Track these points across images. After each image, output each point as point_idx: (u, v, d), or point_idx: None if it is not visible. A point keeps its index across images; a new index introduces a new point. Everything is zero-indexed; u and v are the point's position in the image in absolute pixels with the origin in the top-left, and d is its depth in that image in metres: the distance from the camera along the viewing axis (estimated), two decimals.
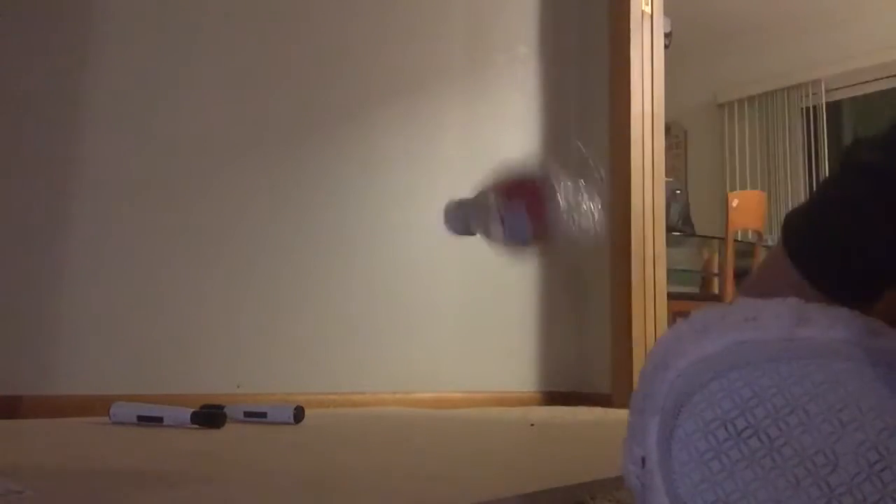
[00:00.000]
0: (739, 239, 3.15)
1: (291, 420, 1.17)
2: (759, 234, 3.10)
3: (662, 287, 2.26)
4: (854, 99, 4.45)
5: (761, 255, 3.25)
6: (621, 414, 0.96)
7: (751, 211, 2.96)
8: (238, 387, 1.50)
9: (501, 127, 2.20)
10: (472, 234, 0.72)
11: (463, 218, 0.72)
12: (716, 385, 0.34)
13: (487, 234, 0.72)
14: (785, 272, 0.49)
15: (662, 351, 0.37)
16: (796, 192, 5.08)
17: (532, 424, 1.22)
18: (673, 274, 2.55)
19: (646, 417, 0.36)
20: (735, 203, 2.85)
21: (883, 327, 0.36)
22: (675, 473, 0.34)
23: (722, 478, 0.33)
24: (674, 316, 2.37)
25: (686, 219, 3.69)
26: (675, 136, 4.79)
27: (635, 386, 0.38)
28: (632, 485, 0.37)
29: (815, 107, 4.36)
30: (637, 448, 0.36)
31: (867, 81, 4.25)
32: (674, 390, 0.35)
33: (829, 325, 0.36)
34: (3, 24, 1.31)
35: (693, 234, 3.36)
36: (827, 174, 0.51)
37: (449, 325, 1.89)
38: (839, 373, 0.34)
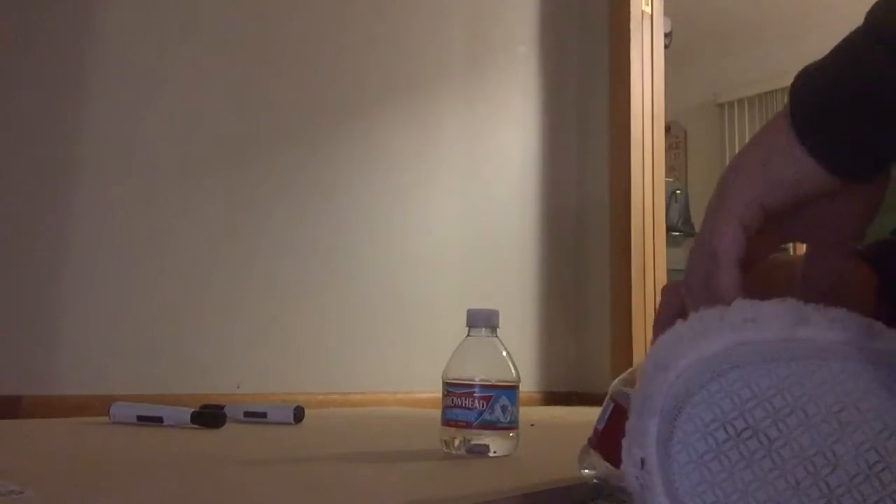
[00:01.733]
0: None
1: (291, 420, 1.17)
2: None
3: None
4: None
5: None
6: None
7: None
8: (238, 387, 1.50)
9: (501, 127, 2.20)
10: None
11: None
12: (715, 386, 0.34)
13: None
14: (786, 145, 0.47)
15: (661, 352, 0.37)
16: None
17: (532, 424, 1.22)
18: (673, 274, 2.55)
19: (645, 419, 0.36)
20: None
21: (882, 328, 0.36)
22: (674, 475, 0.34)
23: (721, 479, 0.33)
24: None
25: (686, 219, 3.69)
26: (675, 136, 4.79)
27: (634, 387, 0.38)
28: (631, 486, 0.37)
29: None
30: (636, 449, 0.36)
31: None
32: (673, 391, 0.35)
33: (829, 326, 0.36)
34: (2, 25, 1.31)
35: (693, 234, 3.36)
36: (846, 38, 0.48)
37: (449, 324, 1.89)
38: (838, 374, 0.34)
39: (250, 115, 1.63)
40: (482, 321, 0.85)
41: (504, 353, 0.84)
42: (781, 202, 0.49)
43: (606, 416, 0.65)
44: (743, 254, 0.48)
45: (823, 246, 0.53)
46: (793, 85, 0.49)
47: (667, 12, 2.57)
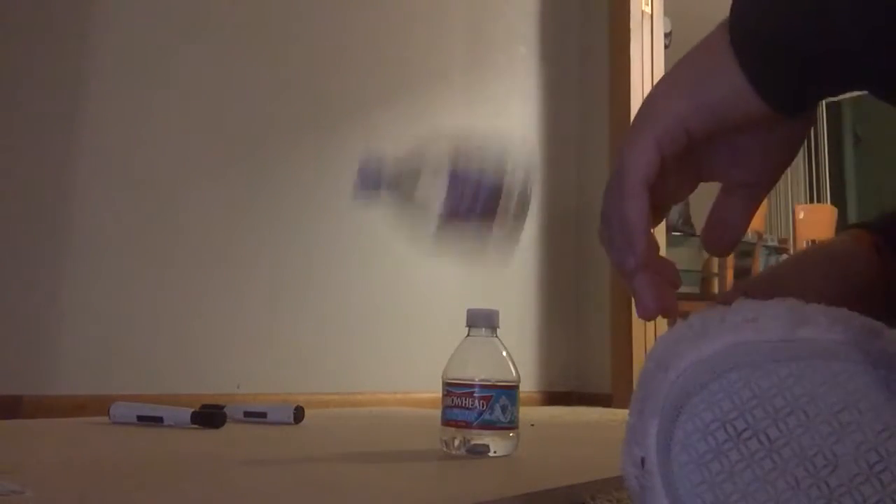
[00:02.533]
0: None
1: (291, 420, 1.17)
2: (759, 234, 3.10)
3: None
4: (854, 99, 4.45)
5: (761, 255, 3.25)
6: (621, 414, 0.95)
7: None
8: (238, 387, 1.50)
9: (501, 127, 2.20)
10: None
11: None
12: (715, 386, 0.34)
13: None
14: (721, 65, 0.43)
15: (661, 352, 0.37)
16: (796, 193, 5.08)
17: (532, 424, 1.22)
18: None
19: (645, 419, 0.36)
20: None
21: (883, 328, 0.36)
22: (674, 475, 0.34)
23: (721, 479, 0.33)
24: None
25: (686, 219, 3.69)
26: None
27: (635, 387, 0.38)
28: (631, 486, 0.37)
29: None
30: (636, 449, 0.36)
31: None
32: (673, 391, 0.35)
33: (829, 327, 0.36)
34: (1, 27, 1.31)
35: (693, 234, 3.36)
36: None
37: (449, 325, 1.89)
38: (838, 374, 0.34)
39: (250, 115, 1.63)
40: (482, 321, 0.85)
41: (504, 354, 0.84)
42: (706, 128, 0.46)
43: None
44: (654, 178, 0.45)
45: (737, 188, 0.51)
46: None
47: (667, 12, 2.57)
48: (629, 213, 0.46)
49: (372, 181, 0.64)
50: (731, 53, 0.43)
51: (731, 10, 0.45)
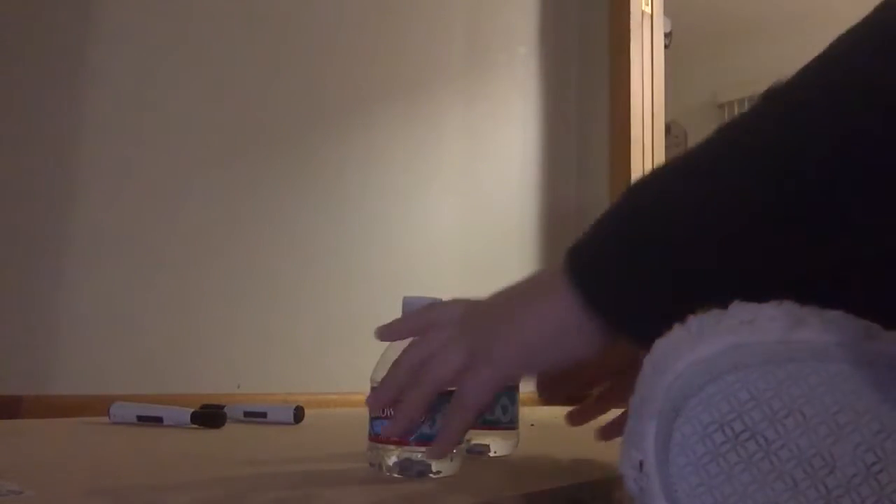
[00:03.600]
0: None
1: (291, 420, 1.17)
2: None
3: None
4: None
5: None
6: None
7: None
8: (238, 387, 1.50)
9: (501, 127, 2.20)
10: None
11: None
12: (713, 388, 0.35)
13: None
14: (571, 323, 0.46)
15: (659, 354, 0.37)
16: None
17: (532, 424, 1.22)
18: None
19: (643, 421, 0.36)
20: None
21: (879, 330, 0.36)
22: (672, 477, 0.34)
23: (720, 481, 0.34)
24: None
25: None
26: (675, 136, 4.79)
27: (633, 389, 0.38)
28: (630, 489, 0.37)
29: None
30: (635, 452, 0.36)
31: None
32: (671, 394, 0.35)
33: (825, 328, 0.36)
34: (3, 23, 1.31)
35: None
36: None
37: None
38: (835, 375, 0.35)
39: (249, 114, 1.63)
40: None
41: None
42: (548, 372, 0.51)
43: None
44: (486, 408, 0.54)
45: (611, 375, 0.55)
46: (575, 258, 0.47)
47: (667, 12, 2.57)
48: (419, 401, 0.55)
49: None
50: (581, 308, 0.46)
51: (570, 257, 0.48)
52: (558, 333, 0.47)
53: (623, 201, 0.46)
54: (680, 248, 0.41)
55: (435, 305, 0.63)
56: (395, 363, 0.58)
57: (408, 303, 0.76)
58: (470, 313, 0.57)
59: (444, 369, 0.54)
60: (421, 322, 0.61)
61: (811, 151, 0.38)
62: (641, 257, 0.42)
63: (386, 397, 0.58)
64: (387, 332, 0.64)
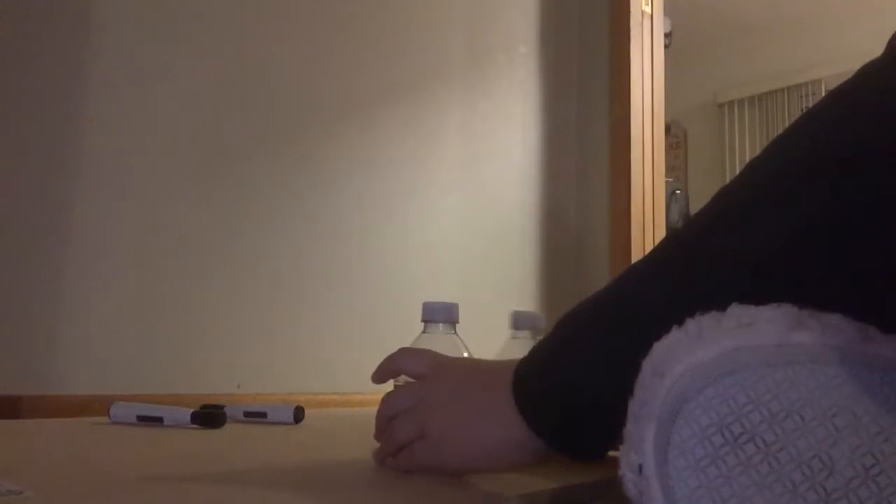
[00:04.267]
0: None
1: (291, 420, 1.17)
2: None
3: None
4: None
5: None
6: None
7: None
8: (238, 387, 1.50)
9: (501, 127, 2.20)
10: None
11: None
12: (711, 391, 0.35)
13: None
14: (516, 440, 0.55)
15: (658, 357, 0.37)
16: None
17: None
18: None
19: (642, 424, 0.36)
20: None
21: (877, 333, 0.37)
22: (671, 480, 0.34)
23: (719, 484, 0.34)
24: None
25: (686, 219, 3.69)
26: (675, 135, 4.79)
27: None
28: (629, 492, 0.37)
29: None
30: (634, 455, 0.36)
31: None
32: (669, 397, 0.35)
33: (823, 331, 0.36)
34: (2, 26, 1.31)
35: None
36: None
37: None
38: (833, 378, 0.35)
39: (249, 114, 1.63)
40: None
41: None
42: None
43: None
44: None
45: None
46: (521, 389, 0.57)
47: (667, 12, 2.57)
48: (385, 454, 0.68)
49: None
50: (525, 428, 0.53)
51: (514, 385, 0.57)
52: (509, 446, 0.55)
53: (554, 332, 0.57)
54: (608, 377, 0.48)
55: (404, 353, 0.77)
56: (380, 407, 0.71)
57: (427, 307, 0.83)
58: (432, 388, 0.66)
59: (402, 436, 0.64)
60: (388, 375, 0.79)
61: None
62: (573, 388, 0.50)
63: (377, 430, 0.71)
64: (375, 377, 0.80)
